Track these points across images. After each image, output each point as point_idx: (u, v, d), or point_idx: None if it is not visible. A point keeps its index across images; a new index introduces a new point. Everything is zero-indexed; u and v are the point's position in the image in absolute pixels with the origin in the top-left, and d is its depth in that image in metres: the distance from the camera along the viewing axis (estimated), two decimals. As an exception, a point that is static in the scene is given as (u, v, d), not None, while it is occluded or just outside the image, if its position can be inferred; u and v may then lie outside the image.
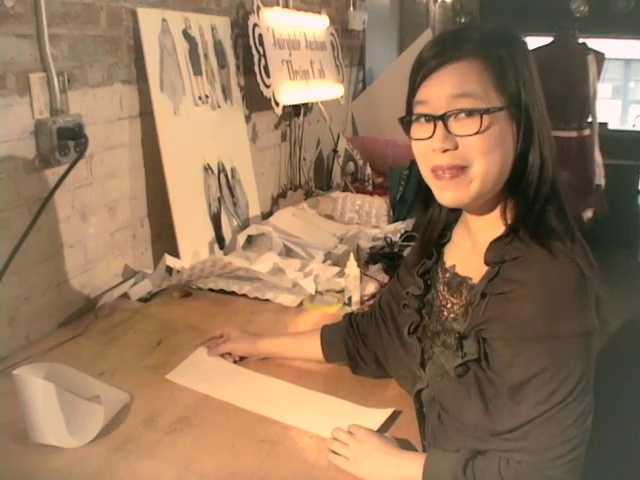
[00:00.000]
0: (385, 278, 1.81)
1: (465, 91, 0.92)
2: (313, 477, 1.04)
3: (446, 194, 0.97)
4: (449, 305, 1.05)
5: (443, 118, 0.93)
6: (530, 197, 0.94)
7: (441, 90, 0.93)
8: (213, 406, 1.22)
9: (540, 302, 0.88)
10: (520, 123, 0.94)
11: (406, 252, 1.96)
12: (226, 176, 2.08)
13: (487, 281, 0.94)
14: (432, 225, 1.09)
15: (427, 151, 0.96)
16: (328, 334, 1.33)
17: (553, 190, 0.95)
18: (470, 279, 1.01)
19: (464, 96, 0.92)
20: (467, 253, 1.03)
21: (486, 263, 0.96)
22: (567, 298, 0.89)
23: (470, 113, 0.91)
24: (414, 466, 0.98)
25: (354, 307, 1.64)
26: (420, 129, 0.96)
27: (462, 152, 0.93)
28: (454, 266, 1.05)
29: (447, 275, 1.06)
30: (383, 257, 1.93)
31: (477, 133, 0.91)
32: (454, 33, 0.97)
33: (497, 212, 0.99)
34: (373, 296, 1.72)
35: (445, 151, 0.93)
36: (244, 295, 1.72)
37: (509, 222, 0.96)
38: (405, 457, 1.02)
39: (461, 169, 0.93)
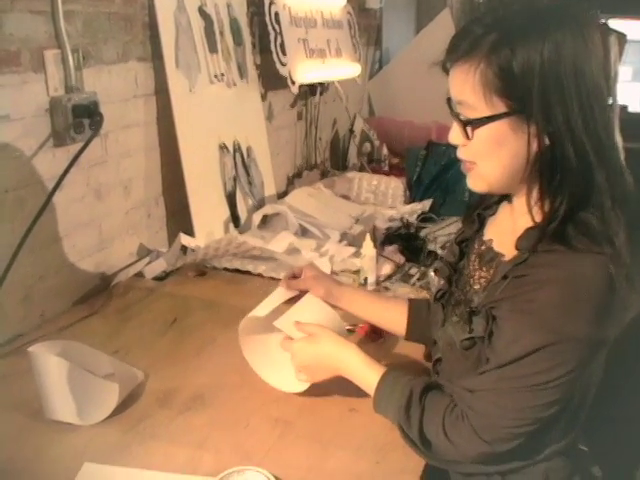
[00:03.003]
0: (401, 259, 1.80)
1: (460, 99, 0.93)
2: (328, 456, 1.03)
3: (468, 180, 0.99)
4: (476, 276, 1.04)
5: (453, 117, 0.95)
6: (560, 195, 0.90)
7: (451, 91, 0.95)
8: (227, 385, 1.21)
9: (557, 294, 0.87)
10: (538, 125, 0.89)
11: (423, 233, 1.96)
12: (242, 155, 2.06)
13: (513, 265, 0.93)
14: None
15: None
16: (417, 309, 1.25)
17: (597, 192, 0.90)
18: (503, 256, 0.99)
19: (460, 104, 0.93)
20: (506, 231, 1.01)
21: (517, 248, 0.94)
22: (586, 301, 0.86)
23: (459, 120, 0.94)
24: (370, 379, 1.05)
25: (369, 288, 1.63)
26: None
27: (469, 149, 0.95)
28: (491, 240, 1.04)
29: (482, 247, 1.05)
30: (399, 238, 1.92)
31: (468, 139, 0.93)
32: (466, 25, 0.93)
33: (538, 200, 0.95)
34: (389, 277, 1.71)
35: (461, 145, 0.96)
36: (259, 275, 1.71)
37: (547, 212, 0.93)
38: (365, 373, 1.07)
39: (472, 163, 0.96)
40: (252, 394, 1.19)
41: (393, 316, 1.27)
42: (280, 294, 1.24)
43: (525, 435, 0.92)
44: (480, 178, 0.97)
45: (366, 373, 1.07)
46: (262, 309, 1.19)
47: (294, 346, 1.12)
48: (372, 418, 1.06)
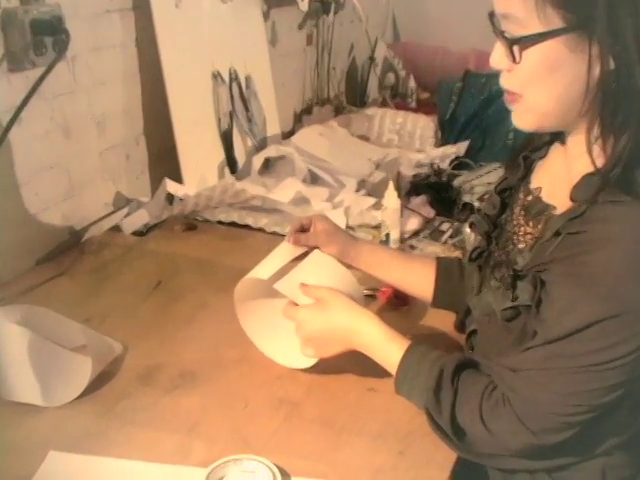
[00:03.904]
0: (430, 212, 1.80)
1: (506, 12, 0.90)
2: (341, 444, 1.03)
3: (512, 116, 0.97)
4: (521, 233, 1.03)
5: (497, 35, 0.92)
6: (626, 133, 0.88)
7: (495, 3, 0.92)
8: (223, 359, 1.22)
9: (621, 255, 0.85)
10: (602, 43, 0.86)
11: (457, 182, 1.96)
12: (239, 86, 2.05)
13: (567, 219, 0.91)
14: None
15: None
16: (446, 270, 1.26)
17: None
18: (554, 208, 0.98)
19: (506, 18, 0.91)
20: (558, 177, 0.99)
21: (571, 199, 0.92)
22: None
23: (505, 39, 0.91)
24: (394, 354, 1.04)
25: (392, 247, 1.62)
26: None
27: (515, 76, 0.93)
28: (539, 189, 1.02)
29: (529, 198, 1.04)
30: (428, 187, 1.92)
31: (515, 62, 0.90)
32: None
33: (599, 139, 0.93)
34: (416, 233, 1.72)
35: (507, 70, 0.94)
36: (260, 229, 1.72)
37: (609, 155, 0.90)
38: (385, 348, 1.06)
39: (518, 95, 0.94)
40: (252, 370, 1.19)
41: (418, 278, 1.27)
42: (285, 251, 1.22)
43: (579, 425, 0.91)
44: (528, 112, 0.94)
45: (386, 348, 1.06)
46: (263, 269, 1.18)
47: (299, 314, 1.11)
48: (394, 400, 1.06)
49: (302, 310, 1.11)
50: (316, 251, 1.20)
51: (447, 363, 0.99)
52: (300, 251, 1.22)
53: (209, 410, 1.09)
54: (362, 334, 1.07)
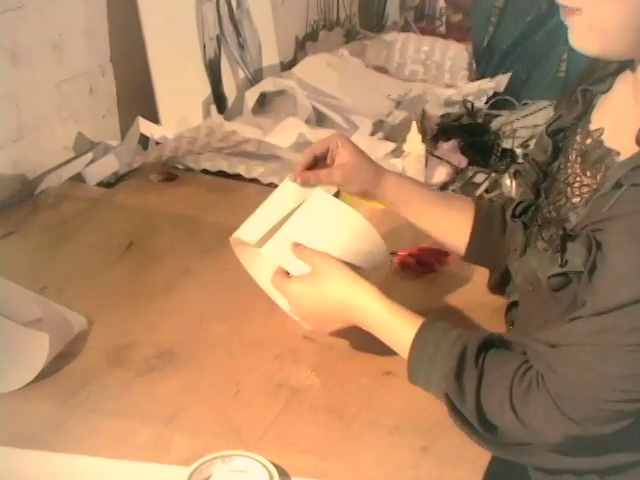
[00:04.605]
0: (462, 160, 1.81)
1: None
2: (351, 438, 1.03)
3: (570, 35, 0.95)
4: (576, 184, 1.03)
5: None
6: None
7: None
8: (208, 335, 1.22)
9: None
10: None
11: (495, 124, 1.96)
12: (229, 4, 2.04)
13: (631, 167, 0.90)
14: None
15: None
16: (487, 220, 1.26)
17: None
18: (617, 154, 0.97)
19: None
20: (625, 117, 0.99)
21: (638, 143, 0.91)
22: None
23: None
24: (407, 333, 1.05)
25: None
26: None
27: None
28: (601, 131, 1.02)
29: (587, 141, 1.03)
30: (460, 130, 1.92)
31: None
32: None
33: None
34: (444, 186, 1.72)
35: None
36: (254, 180, 1.72)
37: None
38: (395, 325, 1.07)
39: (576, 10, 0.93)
40: (244, 349, 1.19)
41: (452, 224, 1.27)
42: (288, 195, 1.17)
43: (632, 414, 0.91)
44: (589, 31, 0.93)
45: (396, 325, 1.06)
46: (253, 227, 1.15)
47: (290, 288, 1.11)
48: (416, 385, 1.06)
49: (292, 284, 1.11)
50: (317, 190, 1.16)
51: (471, 340, 0.99)
52: (308, 195, 1.17)
53: (192, 397, 1.09)
54: (360, 309, 1.08)
